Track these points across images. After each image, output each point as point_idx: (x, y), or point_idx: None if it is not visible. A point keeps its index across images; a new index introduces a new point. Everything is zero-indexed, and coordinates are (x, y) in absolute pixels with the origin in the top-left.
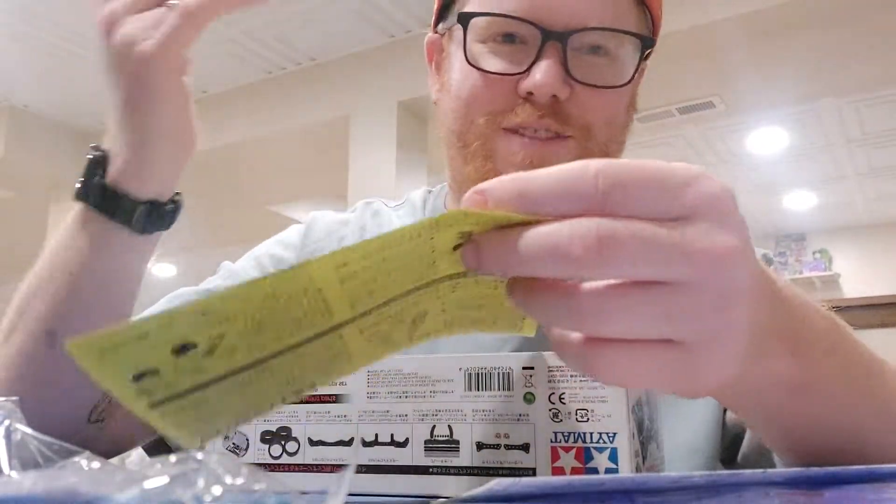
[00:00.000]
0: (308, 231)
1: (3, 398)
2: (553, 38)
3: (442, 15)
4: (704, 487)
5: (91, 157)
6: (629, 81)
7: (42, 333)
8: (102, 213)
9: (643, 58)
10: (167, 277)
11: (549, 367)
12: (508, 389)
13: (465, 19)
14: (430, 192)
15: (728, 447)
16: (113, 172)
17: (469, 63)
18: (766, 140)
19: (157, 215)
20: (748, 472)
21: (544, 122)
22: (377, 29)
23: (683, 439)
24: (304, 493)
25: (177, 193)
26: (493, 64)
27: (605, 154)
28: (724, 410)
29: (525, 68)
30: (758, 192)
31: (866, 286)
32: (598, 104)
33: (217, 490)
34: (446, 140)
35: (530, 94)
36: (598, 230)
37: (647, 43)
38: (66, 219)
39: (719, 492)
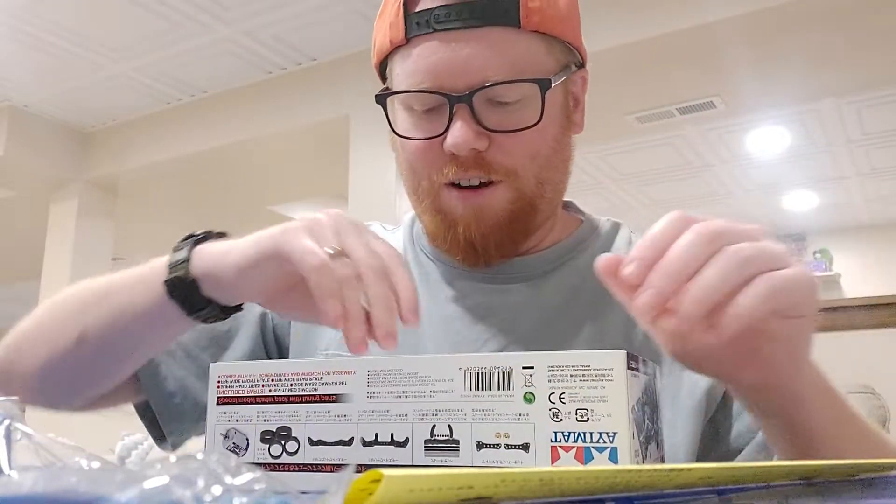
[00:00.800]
0: None
1: (2, 398)
2: (460, 101)
3: (383, 78)
4: (705, 490)
5: (183, 252)
6: (538, 121)
7: (75, 332)
8: (180, 305)
9: (547, 92)
10: None
11: (549, 366)
12: (508, 389)
13: (381, 101)
14: (414, 218)
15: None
16: (205, 278)
17: (397, 134)
18: (767, 140)
19: (223, 313)
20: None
21: (471, 174)
22: None
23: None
24: (303, 492)
25: None
26: (417, 131)
27: (540, 184)
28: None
29: (443, 130)
30: (758, 192)
31: (867, 286)
32: (519, 145)
33: (217, 490)
34: (406, 188)
35: (452, 153)
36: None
37: (543, 87)
38: (140, 265)
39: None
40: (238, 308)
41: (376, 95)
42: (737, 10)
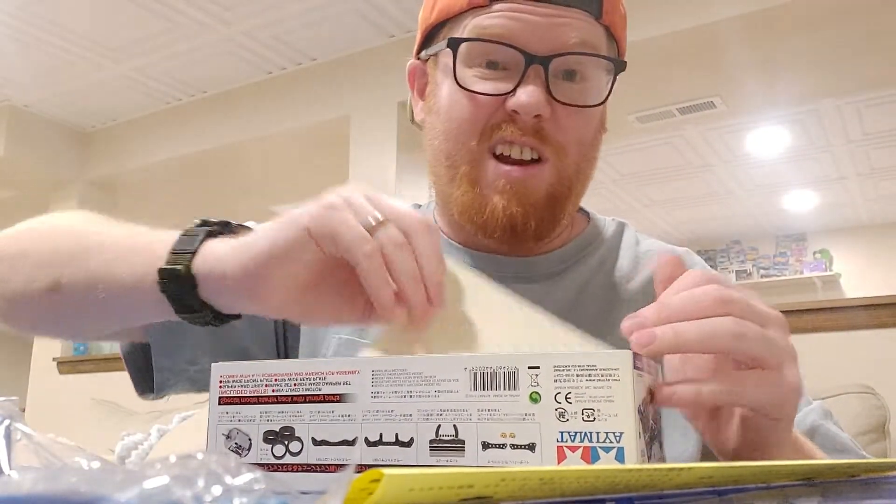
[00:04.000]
0: None
1: (2, 398)
2: (536, 62)
3: (425, 43)
4: (705, 491)
5: (181, 248)
6: (604, 101)
7: (47, 280)
8: (170, 301)
9: (614, 79)
10: None
11: (555, 366)
12: (514, 389)
13: (454, 44)
14: (419, 206)
15: None
16: (207, 280)
17: (459, 85)
18: (767, 140)
19: (217, 320)
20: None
21: (526, 140)
22: (377, 29)
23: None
24: (304, 493)
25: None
26: (481, 86)
27: (577, 173)
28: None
29: (511, 89)
30: (758, 192)
31: (866, 286)
32: (573, 125)
33: (217, 490)
34: (434, 160)
35: (515, 112)
36: (720, 292)
37: (618, 66)
38: (139, 231)
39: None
40: (237, 316)
41: (449, 39)
42: (737, 10)
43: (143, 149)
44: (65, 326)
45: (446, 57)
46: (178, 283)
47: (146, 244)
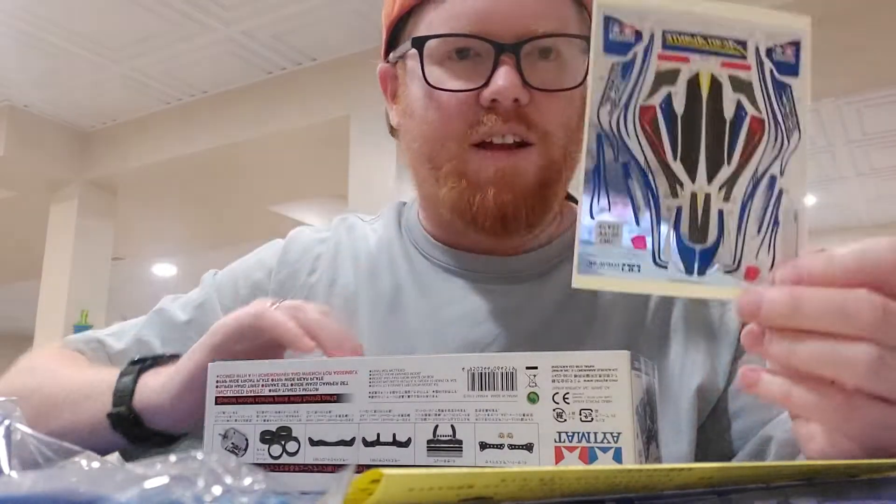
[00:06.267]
0: (285, 251)
1: (2, 398)
2: (506, 50)
3: (391, 44)
4: (705, 491)
5: (124, 385)
6: (581, 82)
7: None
8: (123, 436)
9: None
10: (167, 277)
11: (553, 366)
12: (512, 389)
13: (419, 43)
14: (404, 204)
15: None
16: (145, 410)
17: (430, 85)
18: None
19: (169, 443)
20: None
21: (510, 128)
22: (377, 29)
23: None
24: (304, 493)
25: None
26: (453, 83)
27: (565, 157)
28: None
29: (483, 81)
30: None
31: None
32: (555, 109)
33: (217, 490)
34: (416, 163)
35: (494, 101)
36: (884, 304)
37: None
38: (99, 374)
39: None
40: (185, 434)
41: (413, 38)
42: None
43: (143, 149)
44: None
45: (413, 58)
46: (125, 421)
47: (98, 391)
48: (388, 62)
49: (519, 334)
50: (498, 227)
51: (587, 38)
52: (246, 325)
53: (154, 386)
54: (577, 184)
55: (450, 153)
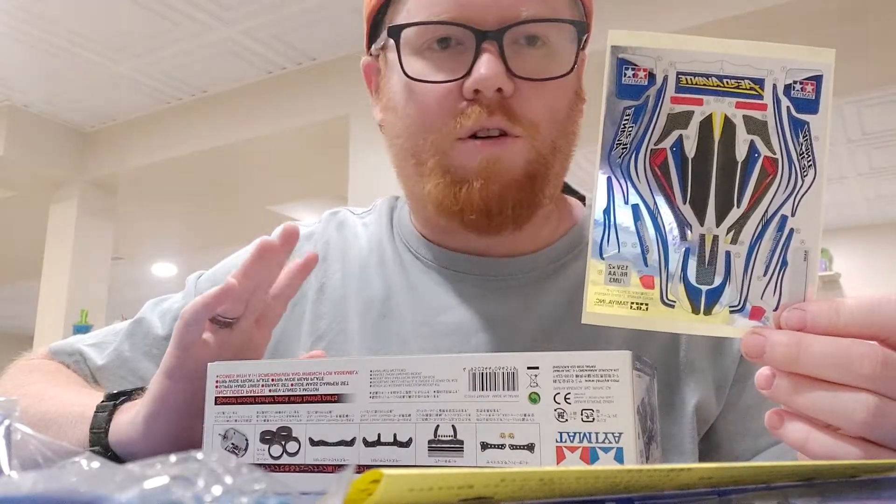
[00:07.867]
0: None
1: (3, 398)
2: (488, 37)
3: (372, 36)
4: (705, 491)
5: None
6: (570, 71)
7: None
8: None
9: (580, 46)
10: (167, 277)
11: (554, 366)
12: (513, 389)
13: (395, 32)
14: (397, 199)
15: None
16: (118, 445)
17: (409, 77)
18: None
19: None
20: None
21: (495, 120)
22: None
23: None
24: (304, 493)
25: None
26: (433, 74)
27: (555, 149)
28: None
29: (465, 71)
30: None
31: (866, 286)
32: (542, 99)
33: (217, 490)
34: (400, 160)
35: (476, 91)
36: (885, 355)
37: (581, 29)
38: (81, 397)
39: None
40: None
41: (389, 27)
42: (735, 10)
43: (143, 149)
44: None
45: (392, 50)
46: (103, 455)
47: (81, 418)
48: (370, 54)
49: (515, 347)
50: (483, 222)
51: (576, 24)
52: (179, 333)
53: (125, 420)
54: (572, 181)
55: (434, 148)
